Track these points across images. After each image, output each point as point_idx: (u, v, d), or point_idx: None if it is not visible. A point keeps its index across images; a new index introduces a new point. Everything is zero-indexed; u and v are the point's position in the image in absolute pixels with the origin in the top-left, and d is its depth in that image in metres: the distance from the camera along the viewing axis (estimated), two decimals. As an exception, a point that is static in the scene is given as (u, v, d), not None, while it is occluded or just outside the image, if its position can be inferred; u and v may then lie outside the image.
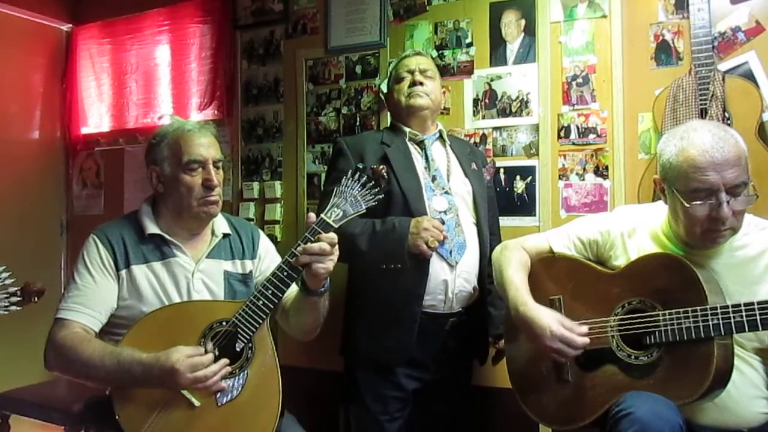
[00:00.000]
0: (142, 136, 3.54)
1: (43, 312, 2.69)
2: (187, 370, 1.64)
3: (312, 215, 1.82)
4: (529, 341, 1.82)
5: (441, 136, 2.36)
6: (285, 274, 1.78)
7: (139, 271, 1.88)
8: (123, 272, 1.87)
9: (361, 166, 2.17)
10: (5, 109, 3.58)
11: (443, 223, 2.12)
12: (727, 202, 1.58)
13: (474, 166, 2.36)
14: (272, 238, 2.94)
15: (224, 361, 1.72)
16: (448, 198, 2.21)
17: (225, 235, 2.03)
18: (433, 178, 2.24)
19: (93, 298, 1.83)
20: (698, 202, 1.61)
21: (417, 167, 2.24)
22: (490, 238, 2.30)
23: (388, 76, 2.49)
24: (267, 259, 2.08)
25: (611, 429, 1.60)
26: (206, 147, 1.92)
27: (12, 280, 1.74)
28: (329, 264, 1.76)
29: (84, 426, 2.57)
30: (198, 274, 1.93)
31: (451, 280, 2.14)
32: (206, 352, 1.71)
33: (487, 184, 2.43)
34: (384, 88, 2.55)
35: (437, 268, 2.13)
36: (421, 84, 2.30)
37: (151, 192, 2.01)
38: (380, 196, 1.88)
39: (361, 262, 2.18)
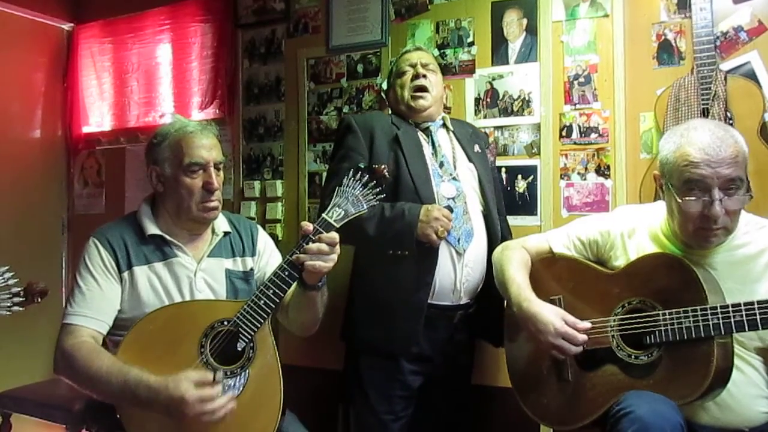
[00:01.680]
0: (143, 135, 3.54)
1: (44, 311, 2.70)
2: (196, 401, 1.60)
3: (305, 224, 1.79)
4: (531, 337, 1.82)
5: (444, 124, 2.36)
6: (286, 273, 1.78)
7: (141, 272, 1.88)
8: (125, 274, 1.87)
9: (362, 166, 2.16)
10: (7, 108, 3.58)
11: (451, 210, 2.11)
12: (720, 200, 1.59)
13: (477, 148, 2.36)
14: (273, 236, 2.94)
15: (231, 393, 1.69)
16: (455, 184, 2.21)
17: (225, 234, 2.02)
18: (441, 164, 2.24)
19: (98, 301, 1.82)
20: (691, 198, 1.61)
21: (425, 153, 2.24)
22: (498, 219, 2.30)
23: (388, 73, 2.49)
24: (266, 254, 2.08)
25: (611, 428, 1.60)
26: (208, 149, 1.91)
27: (15, 281, 1.74)
28: (329, 263, 1.76)
29: (85, 425, 2.57)
30: (200, 273, 1.93)
31: (459, 268, 2.14)
32: (215, 379, 1.66)
33: (491, 165, 2.43)
34: (385, 86, 2.55)
35: (445, 256, 2.13)
36: (424, 76, 2.30)
37: (152, 191, 2.00)
38: (382, 196, 1.88)
39: (368, 246, 2.18)
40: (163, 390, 1.61)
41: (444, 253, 2.13)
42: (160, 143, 1.93)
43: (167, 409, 1.63)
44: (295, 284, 1.89)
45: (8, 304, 1.73)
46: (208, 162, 1.90)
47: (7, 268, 1.72)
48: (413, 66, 2.33)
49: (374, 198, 1.85)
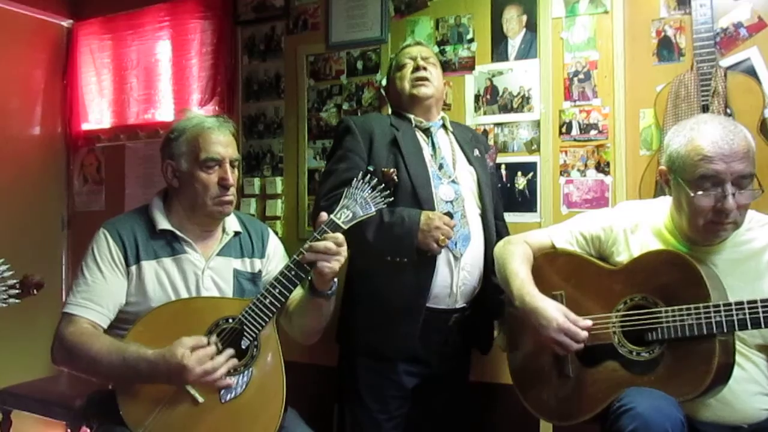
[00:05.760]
0: (142, 132, 3.55)
1: (44, 308, 2.71)
2: (196, 364, 1.64)
3: (324, 214, 1.82)
4: (533, 332, 1.82)
5: (444, 125, 2.35)
6: (293, 273, 1.79)
7: (149, 267, 1.88)
8: (133, 268, 1.87)
9: (371, 169, 2.14)
10: (6, 105, 3.57)
11: (451, 217, 2.08)
12: (733, 194, 1.59)
13: (477, 152, 2.35)
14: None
15: (229, 351, 1.72)
16: (455, 187, 2.20)
17: (236, 234, 2.03)
18: (440, 167, 2.22)
19: (101, 293, 1.83)
20: (703, 192, 1.61)
21: (424, 155, 2.22)
22: (496, 224, 2.29)
23: (387, 68, 2.48)
24: (275, 259, 2.09)
25: (612, 424, 1.60)
26: (224, 146, 1.92)
27: (11, 273, 1.74)
28: (335, 264, 1.77)
29: (85, 421, 2.58)
30: (208, 271, 1.93)
31: (456, 272, 2.13)
32: (209, 342, 1.71)
33: (490, 170, 2.42)
34: (384, 82, 2.54)
35: (442, 260, 2.11)
36: (424, 69, 2.29)
37: (154, 188, 2.01)
38: (390, 199, 1.89)
39: (366, 251, 2.15)
40: (161, 360, 1.65)
41: (441, 257, 2.11)
42: (177, 138, 1.94)
43: (169, 379, 1.67)
44: (302, 291, 1.90)
45: (4, 297, 1.73)
46: (224, 158, 1.91)
47: (2, 260, 1.72)
48: (413, 59, 2.31)
49: (383, 201, 1.85)
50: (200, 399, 1.70)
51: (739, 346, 1.64)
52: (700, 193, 1.62)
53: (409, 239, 2.05)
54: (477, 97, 2.71)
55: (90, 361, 1.71)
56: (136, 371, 1.67)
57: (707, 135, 1.63)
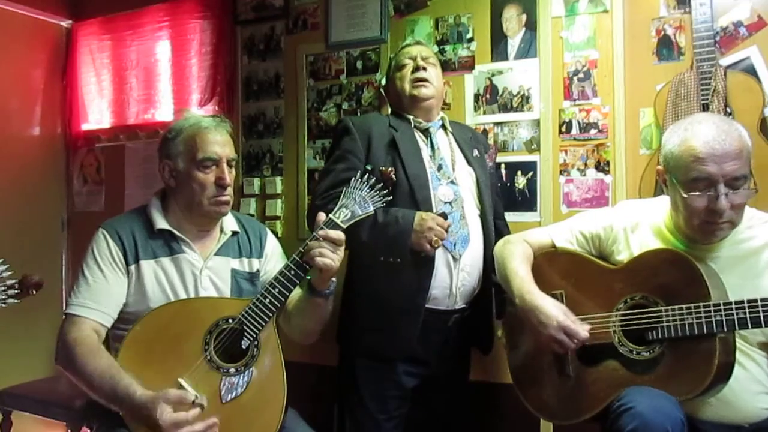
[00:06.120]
0: (142, 132, 3.55)
1: (44, 309, 2.71)
2: (170, 426, 1.59)
3: (322, 214, 1.82)
4: (533, 330, 1.82)
5: (443, 125, 2.35)
6: (292, 272, 1.79)
7: (148, 266, 1.88)
8: (132, 267, 1.87)
9: (369, 168, 2.13)
10: (6, 106, 3.57)
11: (446, 218, 2.07)
12: (726, 194, 1.59)
13: (476, 152, 2.35)
14: (273, 233, 2.94)
15: (212, 420, 1.67)
16: (453, 188, 2.19)
17: (233, 233, 2.02)
18: (439, 167, 2.22)
19: (103, 294, 1.83)
20: (696, 193, 1.62)
21: (423, 155, 2.22)
22: (497, 223, 2.29)
23: (387, 68, 2.48)
24: (273, 259, 2.08)
25: (612, 424, 1.60)
26: (221, 145, 1.92)
27: (10, 273, 1.74)
28: (335, 261, 1.77)
29: (86, 422, 2.57)
30: (206, 271, 1.93)
31: (455, 273, 2.13)
32: (195, 401, 1.65)
33: (490, 170, 2.42)
34: (384, 81, 2.54)
35: (441, 261, 2.11)
36: (424, 69, 2.29)
37: (154, 188, 2.00)
38: (389, 198, 1.88)
39: (360, 251, 2.15)
40: (144, 408, 1.62)
41: (440, 258, 2.11)
42: (174, 138, 1.94)
43: (147, 427, 1.63)
44: (302, 289, 1.89)
45: (3, 297, 1.73)
46: (221, 158, 1.91)
47: (1, 260, 1.72)
48: (413, 59, 2.31)
49: (381, 200, 1.85)
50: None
51: (740, 344, 1.64)
52: (693, 193, 1.62)
53: (402, 240, 2.05)
54: (477, 97, 2.71)
55: (83, 378, 1.71)
56: (122, 406, 1.66)
57: (700, 136, 1.63)
